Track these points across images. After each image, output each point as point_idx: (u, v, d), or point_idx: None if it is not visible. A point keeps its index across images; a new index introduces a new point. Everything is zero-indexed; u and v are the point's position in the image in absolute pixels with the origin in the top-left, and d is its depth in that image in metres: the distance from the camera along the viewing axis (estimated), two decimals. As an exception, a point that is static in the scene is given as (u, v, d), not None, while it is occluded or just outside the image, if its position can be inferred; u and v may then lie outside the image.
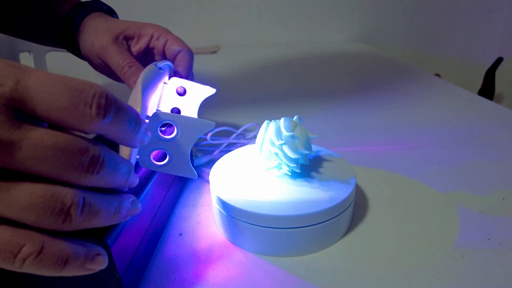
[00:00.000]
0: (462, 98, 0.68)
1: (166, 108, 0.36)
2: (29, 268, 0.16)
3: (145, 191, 0.27)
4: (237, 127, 0.47)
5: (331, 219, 0.28)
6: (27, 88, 0.16)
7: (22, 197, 0.16)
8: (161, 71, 0.33)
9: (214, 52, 1.12)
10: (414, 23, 1.34)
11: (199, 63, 0.98)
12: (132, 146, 0.21)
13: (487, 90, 1.33)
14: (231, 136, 0.46)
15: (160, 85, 0.34)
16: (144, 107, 0.25)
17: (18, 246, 0.16)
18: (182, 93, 0.35)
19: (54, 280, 0.22)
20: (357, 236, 0.31)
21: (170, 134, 0.25)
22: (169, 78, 0.36)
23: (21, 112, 0.16)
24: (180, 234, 0.32)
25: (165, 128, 0.27)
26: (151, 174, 0.29)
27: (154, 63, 0.33)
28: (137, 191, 0.26)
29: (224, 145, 0.45)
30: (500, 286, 0.26)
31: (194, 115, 0.35)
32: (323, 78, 0.86)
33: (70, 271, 0.17)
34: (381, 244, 0.30)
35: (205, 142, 0.45)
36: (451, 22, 1.35)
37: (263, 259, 0.29)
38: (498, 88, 1.34)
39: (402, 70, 0.91)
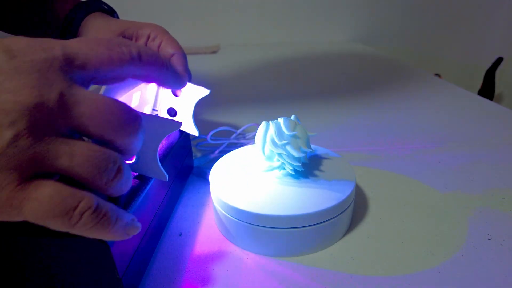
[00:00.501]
0: (462, 98, 0.68)
1: (163, 108, 0.36)
2: (85, 224, 0.17)
3: (145, 191, 0.27)
4: (237, 127, 0.47)
5: (331, 219, 0.29)
6: (72, 48, 0.19)
7: (81, 150, 0.17)
8: None
9: (214, 52, 1.12)
10: (414, 23, 1.34)
11: (199, 63, 0.98)
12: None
13: (487, 90, 1.32)
14: (231, 136, 0.46)
15: (152, 84, 0.34)
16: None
17: (77, 200, 0.17)
18: (177, 93, 0.35)
19: (54, 280, 0.22)
20: (357, 236, 0.31)
21: None
22: None
23: (75, 74, 0.19)
24: (180, 234, 0.32)
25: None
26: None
27: None
28: (137, 191, 0.26)
29: (224, 145, 0.45)
30: (500, 286, 0.26)
31: (189, 115, 0.35)
32: (323, 78, 0.86)
33: (117, 232, 0.19)
34: (381, 244, 0.30)
35: (205, 142, 0.45)
36: (451, 22, 1.35)
37: (263, 259, 0.29)
38: (498, 88, 1.34)
39: (402, 70, 0.91)
